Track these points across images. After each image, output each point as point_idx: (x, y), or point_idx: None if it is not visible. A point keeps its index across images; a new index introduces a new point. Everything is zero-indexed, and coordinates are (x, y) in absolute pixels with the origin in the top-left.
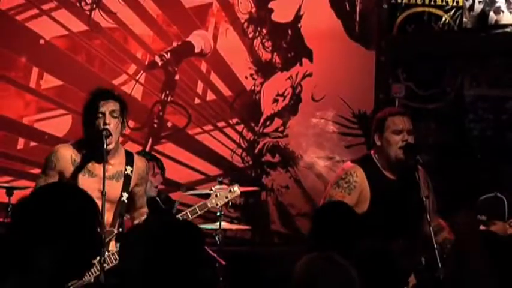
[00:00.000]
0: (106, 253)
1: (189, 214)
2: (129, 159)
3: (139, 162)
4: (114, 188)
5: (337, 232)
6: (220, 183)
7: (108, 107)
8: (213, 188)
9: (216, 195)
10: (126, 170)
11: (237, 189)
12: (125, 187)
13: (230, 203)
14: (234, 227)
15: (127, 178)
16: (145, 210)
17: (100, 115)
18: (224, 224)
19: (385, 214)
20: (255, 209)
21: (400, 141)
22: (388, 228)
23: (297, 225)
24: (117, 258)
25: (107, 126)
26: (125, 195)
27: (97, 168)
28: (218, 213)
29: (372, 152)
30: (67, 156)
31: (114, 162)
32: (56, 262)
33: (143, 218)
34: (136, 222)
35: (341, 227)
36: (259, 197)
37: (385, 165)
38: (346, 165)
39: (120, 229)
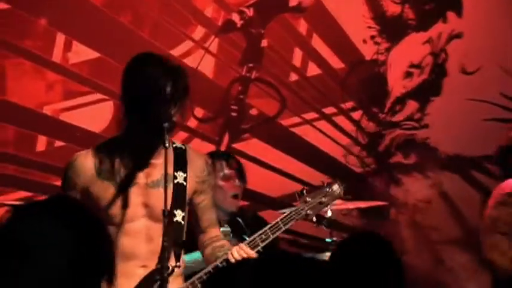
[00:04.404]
0: None
1: (269, 233)
2: (180, 159)
3: (195, 160)
4: (161, 200)
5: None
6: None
7: (166, 83)
8: (304, 191)
9: (306, 201)
10: (176, 177)
11: (337, 188)
12: (178, 201)
13: (330, 213)
14: None
15: (179, 189)
16: (217, 233)
17: (161, 102)
18: None
19: None
20: (381, 233)
21: None
22: None
23: (442, 256)
24: None
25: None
26: (180, 214)
27: (135, 173)
28: (328, 240)
29: None
30: (88, 165)
31: (158, 162)
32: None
33: (220, 251)
34: (208, 254)
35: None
36: (386, 216)
37: None
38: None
39: (179, 263)
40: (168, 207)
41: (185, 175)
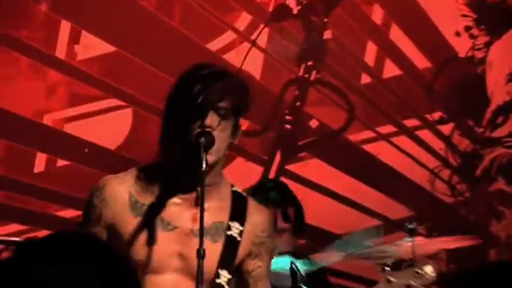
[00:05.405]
0: None
1: None
2: (239, 208)
3: (256, 214)
4: (208, 255)
5: None
6: (411, 232)
7: (213, 98)
8: (388, 267)
9: (389, 281)
10: (230, 227)
11: (430, 271)
12: (226, 259)
13: None
14: None
15: (231, 244)
16: None
17: (197, 112)
18: None
19: None
20: None
21: None
22: None
23: None
24: None
25: (208, 129)
26: (225, 275)
27: (178, 214)
28: None
29: None
30: (122, 194)
31: (210, 206)
32: None
33: None
34: None
35: None
36: (483, 259)
37: None
38: None
39: None
40: (216, 263)
41: (242, 229)
